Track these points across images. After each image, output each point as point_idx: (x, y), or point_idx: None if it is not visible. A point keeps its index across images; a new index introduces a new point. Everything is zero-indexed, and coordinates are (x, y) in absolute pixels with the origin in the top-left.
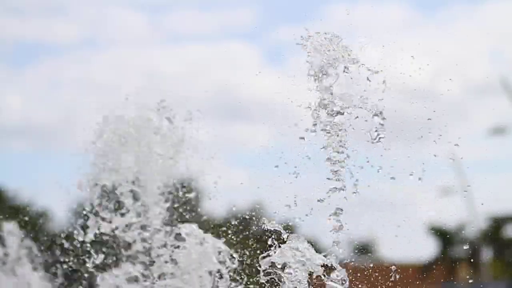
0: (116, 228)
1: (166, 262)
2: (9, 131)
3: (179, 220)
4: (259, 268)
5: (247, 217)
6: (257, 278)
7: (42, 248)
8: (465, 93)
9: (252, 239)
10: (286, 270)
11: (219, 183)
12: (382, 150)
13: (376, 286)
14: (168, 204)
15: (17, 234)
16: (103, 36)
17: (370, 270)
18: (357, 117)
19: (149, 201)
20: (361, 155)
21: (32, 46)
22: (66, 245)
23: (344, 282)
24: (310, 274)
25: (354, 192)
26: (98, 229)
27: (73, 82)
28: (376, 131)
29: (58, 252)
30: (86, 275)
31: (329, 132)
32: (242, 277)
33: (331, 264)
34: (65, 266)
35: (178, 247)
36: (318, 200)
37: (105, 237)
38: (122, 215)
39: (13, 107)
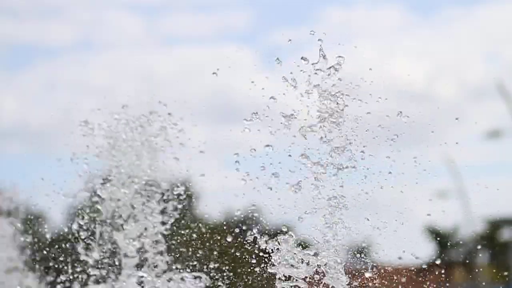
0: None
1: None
2: (4, 134)
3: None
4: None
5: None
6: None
7: (38, 249)
8: (461, 96)
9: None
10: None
11: (214, 186)
12: (379, 154)
13: None
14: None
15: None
16: (98, 39)
17: (367, 273)
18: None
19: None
20: (359, 159)
21: (27, 48)
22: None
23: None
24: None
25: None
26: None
27: (69, 85)
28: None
29: (54, 254)
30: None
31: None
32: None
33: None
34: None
35: None
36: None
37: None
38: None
39: (8, 110)
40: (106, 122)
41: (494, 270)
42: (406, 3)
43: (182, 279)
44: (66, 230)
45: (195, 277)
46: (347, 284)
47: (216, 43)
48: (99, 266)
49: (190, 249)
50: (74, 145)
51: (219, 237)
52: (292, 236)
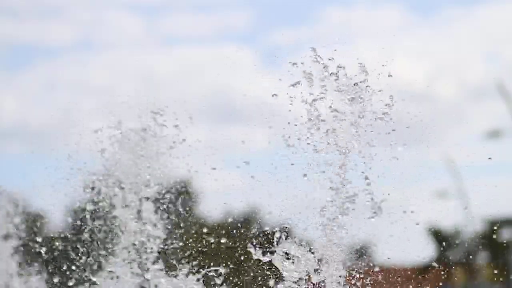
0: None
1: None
2: (4, 134)
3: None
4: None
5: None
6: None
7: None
8: (461, 96)
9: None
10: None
11: (215, 185)
12: (379, 154)
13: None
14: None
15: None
16: (98, 39)
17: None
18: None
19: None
20: (358, 159)
21: (27, 48)
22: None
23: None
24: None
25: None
26: (94, 231)
27: (69, 85)
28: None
29: (54, 253)
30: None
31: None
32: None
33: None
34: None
35: None
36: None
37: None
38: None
39: (9, 110)
40: (106, 122)
41: (494, 270)
42: (406, 3)
43: (183, 279)
44: (66, 229)
45: (197, 278)
46: (347, 284)
47: (216, 43)
48: (98, 267)
49: (191, 249)
50: (74, 145)
51: (218, 237)
52: (291, 236)
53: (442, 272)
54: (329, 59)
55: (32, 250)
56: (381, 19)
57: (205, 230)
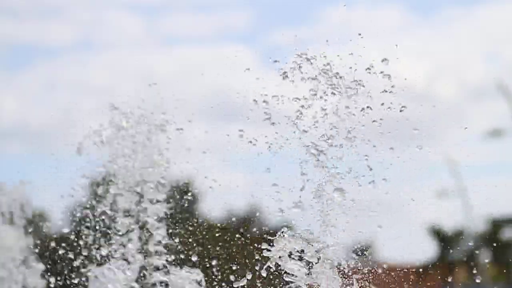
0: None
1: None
2: (4, 134)
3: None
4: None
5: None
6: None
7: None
8: (461, 96)
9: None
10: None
11: (215, 185)
12: (379, 154)
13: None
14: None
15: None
16: (98, 39)
17: (369, 272)
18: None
19: (147, 205)
20: (358, 159)
21: (27, 48)
22: (63, 245)
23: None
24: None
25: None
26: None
27: (69, 85)
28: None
29: (56, 252)
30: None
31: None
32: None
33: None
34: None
35: None
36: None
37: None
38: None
39: (9, 110)
40: (106, 122)
41: (496, 269)
42: (406, 3)
43: (182, 276)
44: (67, 229)
45: (193, 273)
46: (346, 284)
47: (216, 43)
48: (101, 262)
49: (191, 248)
50: (74, 145)
51: (219, 236)
52: (290, 235)
53: (444, 272)
54: (329, 59)
55: (31, 250)
56: (381, 19)
57: (205, 229)
